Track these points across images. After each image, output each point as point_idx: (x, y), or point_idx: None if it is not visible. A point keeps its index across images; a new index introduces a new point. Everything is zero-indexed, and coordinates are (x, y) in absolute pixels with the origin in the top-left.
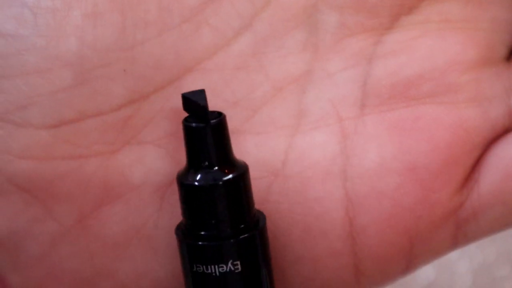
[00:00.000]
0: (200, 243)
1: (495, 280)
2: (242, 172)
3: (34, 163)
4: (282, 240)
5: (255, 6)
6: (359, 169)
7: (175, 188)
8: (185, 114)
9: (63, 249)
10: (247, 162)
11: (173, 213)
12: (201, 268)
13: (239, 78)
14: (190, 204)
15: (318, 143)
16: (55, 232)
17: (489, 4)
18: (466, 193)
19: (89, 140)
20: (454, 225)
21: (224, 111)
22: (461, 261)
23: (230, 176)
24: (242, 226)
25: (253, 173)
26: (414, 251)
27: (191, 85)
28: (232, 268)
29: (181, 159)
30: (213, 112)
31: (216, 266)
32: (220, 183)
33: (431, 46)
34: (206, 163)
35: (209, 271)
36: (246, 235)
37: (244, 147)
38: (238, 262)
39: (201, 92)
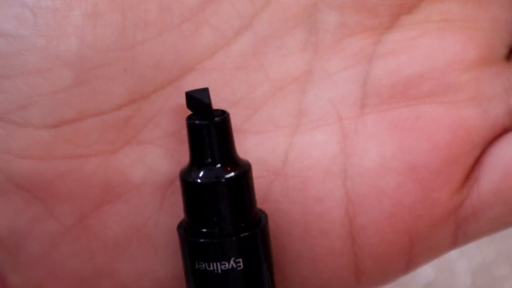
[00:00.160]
0: (202, 240)
1: (494, 280)
2: (244, 170)
3: (34, 162)
4: (282, 239)
5: (255, 6)
6: (359, 169)
7: (175, 187)
8: (186, 113)
9: (63, 249)
10: None
11: (174, 213)
12: (203, 266)
13: (239, 77)
14: (192, 201)
15: (318, 142)
16: (56, 231)
17: (489, 3)
18: (466, 193)
19: (89, 139)
20: (454, 224)
21: None
22: (461, 260)
23: (232, 174)
24: (244, 224)
25: (253, 173)
26: (414, 250)
27: (191, 85)
28: (235, 266)
29: (181, 159)
30: (217, 110)
31: (219, 264)
32: (223, 180)
33: (431, 46)
34: (209, 160)
35: (211, 268)
36: (248, 232)
37: (244, 146)
38: (241, 260)
39: (205, 90)
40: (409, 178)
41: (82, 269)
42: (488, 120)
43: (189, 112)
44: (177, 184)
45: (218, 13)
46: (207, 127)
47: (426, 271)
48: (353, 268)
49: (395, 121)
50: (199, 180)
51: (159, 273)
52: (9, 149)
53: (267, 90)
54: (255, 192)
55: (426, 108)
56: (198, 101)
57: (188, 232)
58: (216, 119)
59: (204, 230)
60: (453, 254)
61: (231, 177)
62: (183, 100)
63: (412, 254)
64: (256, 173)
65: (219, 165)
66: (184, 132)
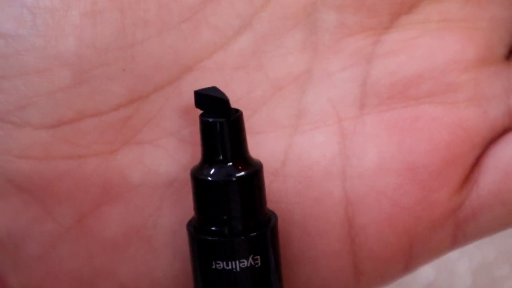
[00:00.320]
0: (220, 239)
1: (494, 280)
2: (256, 169)
3: (33, 163)
4: (281, 240)
5: (254, 5)
6: (358, 169)
7: (174, 188)
8: (185, 113)
9: (62, 249)
10: None
11: (173, 213)
12: (221, 265)
13: (238, 77)
14: (203, 198)
15: (318, 143)
16: (55, 232)
17: (488, 3)
18: (465, 193)
19: (88, 140)
20: (454, 225)
21: None
22: (461, 260)
23: (243, 173)
24: (253, 223)
25: None
26: (414, 251)
27: (190, 85)
28: (253, 263)
29: (181, 159)
30: (231, 108)
31: (237, 262)
32: (234, 179)
33: (431, 46)
34: (221, 158)
35: (230, 267)
36: (263, 230)
37: None
38: (258, 257)
39: (215, 89)
40: (408, 179)
41: (81, 270)
42: (488, 120)
43: (189, 112)
44: (176, 184)
45: (218, 12)
46: (222, 125)
47: (426, 272)
48: (352, 269)
49: (395, 122)
50: (210, 178)
51: (158, 274)
52: (8, 149)
53: (267, 90)
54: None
55: (426, 108)
56: (215, 98)
57: (200, 230)
58: (232, 117)
59: (218, 228)
60: (453, 254)
61: (242, 176)
62: (182, 100)
63: (412, 255)
64: None
65: (230, 164)
66: (184, 132)
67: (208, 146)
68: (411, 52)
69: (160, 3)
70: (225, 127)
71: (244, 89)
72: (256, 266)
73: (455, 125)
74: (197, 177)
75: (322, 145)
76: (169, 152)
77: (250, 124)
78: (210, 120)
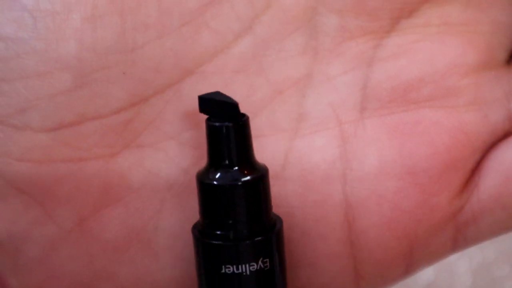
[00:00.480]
0: (229, 243)
1: (494, 280)
2: (262, 174)
3: (33, 166)
4: None
5: (255, 9)
6: (358, 173)
7: (174, 191)
8: (186, 117)
9: (62, 252)
10: None
11: (173, 216)
12: (231, 269)
13: (239, 81)
14: (208, 202)
15: (318, 146)
16: (55, 235)
17: (489, 7)
18: (466, 197)
19: (88, 143)
20: (454, 229)
21: None
22: (461, 261)
23: (249, 177)
24: (258, 227)
25: None
26: (414, 254)
27: (191, 88)
28: (262, 266)
29: (181, 162)
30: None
31: (247, 265)
32: (239, 183)
33: (431, 50)
34: (227, 162)
35: (240, 270)
36: (264, 236)
37: None
38: (268, 260)
39: (220, 93)
40: (408, 183)
41: (81, 273)
42: (488, 124)
43: (190, 115)
44: (177, 187)
45: (218, 16)
46: (228, 129)
47: (426, 272)
48: (352, 273)
49: (395, 125)
50: (215, 182)
51: (158, 277)
52: (9, 152)
53: (267, 94)
54: None
55: (426, 112)
56: (222, 102)
57: (206, 235)
58: (240, 121)
59: (225, 232)
60: (453, 255)
61: (247, 181)
62: (183, 103)
63: (412, 258)
64: None
65: (236, 168)
66: (184, 136)
67: (214, 151)
68: (411, 56)
69: (161, 7)
70: (232, 131)
71: (244, 93)
72: (265, 269)
73: (456, 129)
74: (203, 181)
75: (322, 149)
76: (169, 155)
77: (251, 128)
78: (217, 124)
